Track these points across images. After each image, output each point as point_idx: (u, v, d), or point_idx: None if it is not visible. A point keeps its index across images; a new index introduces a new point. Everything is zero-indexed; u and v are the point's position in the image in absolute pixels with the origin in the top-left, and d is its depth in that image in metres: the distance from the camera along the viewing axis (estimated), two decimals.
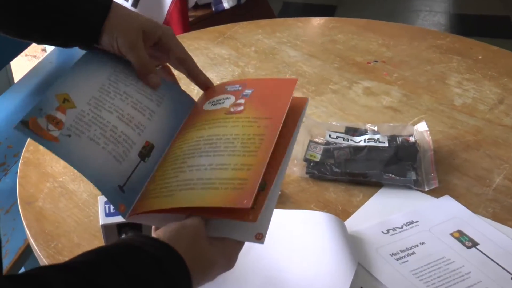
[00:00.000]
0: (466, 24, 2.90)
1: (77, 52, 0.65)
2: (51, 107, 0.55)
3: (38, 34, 0.64)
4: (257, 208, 0.51)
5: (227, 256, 0.53)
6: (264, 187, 0.53)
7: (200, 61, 1.24)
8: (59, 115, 0.54)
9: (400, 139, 0.93)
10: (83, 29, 0.62)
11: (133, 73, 0.64)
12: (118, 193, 0.55)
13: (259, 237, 0.52)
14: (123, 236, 0.70)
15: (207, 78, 0.67)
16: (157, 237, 0.50)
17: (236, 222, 0.53)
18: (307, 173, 0.89)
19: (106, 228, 0.70)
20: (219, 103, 0.62)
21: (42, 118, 0.54)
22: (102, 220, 0.70)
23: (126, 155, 0.57)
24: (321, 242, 0.73)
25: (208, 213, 0.52)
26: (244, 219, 0.50)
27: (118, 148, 0.57)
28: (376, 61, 1.22)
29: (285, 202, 0.84)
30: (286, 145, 0.57)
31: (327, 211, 0.80)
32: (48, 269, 0.43)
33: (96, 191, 0.85)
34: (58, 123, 0.54)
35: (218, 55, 1.25)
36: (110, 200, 0.55)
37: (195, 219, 0.52)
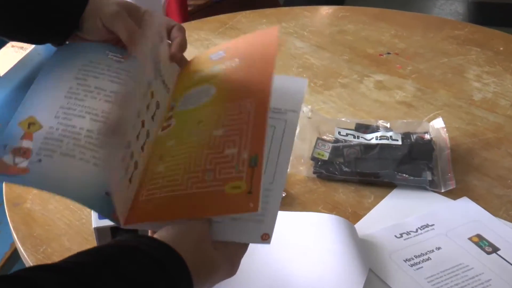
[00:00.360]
0: (485, 13, 2.89)
1: None
2: (15, 139, 0.54)
3: (13, 26, 0.65)
4: (255, 192, 0.49)
5: (230, 261, 0.53)
6: (256, 161, 0.50)
7: (199, 51, 1.24)
8: (25, 144, 0.53)
9: (414, 136, 0.92)
10: (64, 19, 0.64)
11: (104, 61, 0.64)
12: (107, 201, 0.54)
13: (265, 238, 0.52)
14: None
15: (183, 57, 0.68)
16: (158, 237, 0.50)
17: (240, 224, 0.53)
18: (314, 172, 0.89)
19: (99, 231, 0.70)
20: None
21: (7, 155, 0.53)
22: (95, 222, 0.71)
23: None
24: (330, 246, 0.73)
25: (207, 214, 0.52)
26: (245, 209, 0.49)
27: (98, 153, 0.55)
28: (388, 53, 1.22)
29: (291, 203, 0.84)
30: (266, 95, 0.53)
31: (336, 214, 0.80)
32: (39, 269, 0.43)
33: None
34: (25, 153, 0.53)
35: (216, 44, 1.25)
36: (100, 211, 0.55)
37: (200, 221, 0.52)
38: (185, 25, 1.36)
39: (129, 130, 0.55)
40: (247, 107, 0.54)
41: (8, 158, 0.53)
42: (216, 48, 0.66)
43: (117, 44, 0.67)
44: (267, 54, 0.57)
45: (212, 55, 0.63)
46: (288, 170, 0.86)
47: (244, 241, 0.54)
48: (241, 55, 0.60)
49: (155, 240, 0.49)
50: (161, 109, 0.62)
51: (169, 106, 0.62)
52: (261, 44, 0.60)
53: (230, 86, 0.58)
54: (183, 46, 0.66)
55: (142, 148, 0.58)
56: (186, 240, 0.50)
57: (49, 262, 0.74)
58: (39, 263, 0.74)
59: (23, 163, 0.53)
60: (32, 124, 0.55)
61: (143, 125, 0.58)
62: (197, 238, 0.51)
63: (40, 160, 0.53)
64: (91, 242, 0.77)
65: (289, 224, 0.77)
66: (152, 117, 0.60)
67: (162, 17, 0.68)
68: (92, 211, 0.73)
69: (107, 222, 0.70)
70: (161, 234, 0.51)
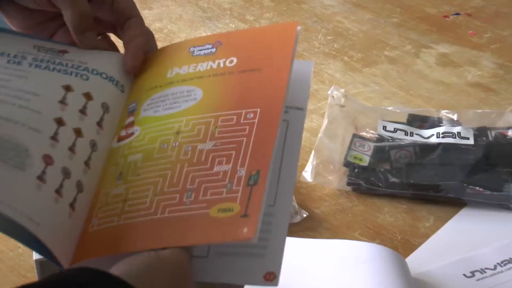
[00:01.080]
0: None
1: None
2: None
3: None
4: (252, 214, 0.51)
5: None
6: (257, 179, 0.53)
7: (187, 13, 1.25)
8: None
9: (493, 133, 0.93)
10: None
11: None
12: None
13: (270, 278, 0.53)
14: None
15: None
16: (117, 273, 0.50)
17: (233, 261, 0.54)
18: (349, 184, 0.90)
19: (43, 265, 0.71)
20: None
21: None
22: (37, 253, 0.72)
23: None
24: (371, 287, 0.74)
25: (184, 242, 0.54)
26: (236, 235, 0.51)
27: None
28: (457, 14, 1.22)
29: (315, 228, 0.85)
30: (277, 105, 0.57)
31: (380, 242, 0.81)
32: None
33: None
34: None
35: (214, 4, 1.26)
36: (35, 248, 0.57)
37: (176, 251, 0.53)
38: None
39: (24, 137, 0.58)
40: (249, 118, 0.58)
41: None
42: (200, 39, 0.68)
43: (51, 23, 0.69)
44: (280, 55, 0.61)
45: (194, 48, 0.66)
46: (312, 179, 0.90)
47: (240, 283, 0.55)
48: (241, 54, 0.63)
49: (111, 276, 0.49)
50: (112, 113, 0.65)
51: (126, 109, 0.65)
52: (271, 43, 0.63)
53: (224, 91, 0.61)
54: (143, 51, 0.68)
55: (87, 164, 0.61)
56: (155, 277, 0.51)
57: None
58: None
59: None
60: None
61: (79, 134, 0.61)
62: (171, 274, 0.52)
63: None
64: (31, 280, 0.78)
65: (313, 257, 0.78)
66: (99, 124, 0.63)
67: None
68: None
69: None
70: (120, 268, 0.51)
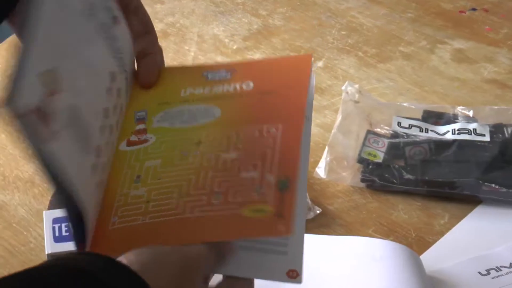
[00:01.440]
0: None
1: None
2: (36, 94, 0.51)
3: None
4: (286, 215, 0.53)
5: None
6: (286, 185, 0.55)
7: (200, 7, 1.26)
8: (47, 105, 0.52)
9: (509, 130, 0.94)
10: None
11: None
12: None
13: (293, 275, 0.55)
14: None
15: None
16: (127, 262, 0.50)
17: (256, 256, 0.56)
18: (363, 180, 0.90)
19: None
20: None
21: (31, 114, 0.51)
22: (50, 247, 0.73)
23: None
24: (385, 285, 0.75)
25: (219, 237, 0.55)
26: (273, 232, 0.53)
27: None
28: (473, 9, 1.22)
29: (329, 224, 0.86)
30: (298, 121, 0.60)
31: (394, 240, 0.82)
32: None
33: (38, 205, 0.88)
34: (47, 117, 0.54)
35: None
36: (75, 230, 0.58)
37: (192, 246, 0.54)
38: None
39: (92, 128, 0.59)
40: (272, 132, 0.61)
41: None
42: (213, 66, 0.72)
43: None
44: (297, 80, 0.64)
45: (209, 73, 0.69)
46: (325, 176, 0.91)
47: (263, 278, 0.57)
48: (257, 79, 0.66)
49: (118, 264, 0.50)
50: (121, 115, 0.66)
51: (131, 114, 0.67)
52: (287, 71, 0.67)
53: (243, 109, 0.64)
54: (159, 68, 0.69)
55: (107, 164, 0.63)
56: (162, 267, 0.51)
57: None
58: None
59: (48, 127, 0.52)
60: (53, 83, 0.54)
61: (111, 132, 0.63)
62: (180, 265, 0.53)
63: (58, 133, 0.53)
64: None
65: (327, 253, 0.79)
66: (117, 124, 0.65)
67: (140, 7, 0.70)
68: (45, 232, 0.75)
69: (66, 247, 0.72)
70: (129, 257, 0.51)
